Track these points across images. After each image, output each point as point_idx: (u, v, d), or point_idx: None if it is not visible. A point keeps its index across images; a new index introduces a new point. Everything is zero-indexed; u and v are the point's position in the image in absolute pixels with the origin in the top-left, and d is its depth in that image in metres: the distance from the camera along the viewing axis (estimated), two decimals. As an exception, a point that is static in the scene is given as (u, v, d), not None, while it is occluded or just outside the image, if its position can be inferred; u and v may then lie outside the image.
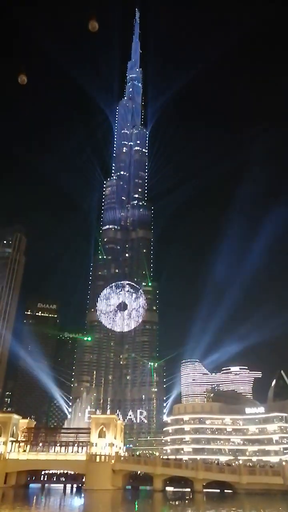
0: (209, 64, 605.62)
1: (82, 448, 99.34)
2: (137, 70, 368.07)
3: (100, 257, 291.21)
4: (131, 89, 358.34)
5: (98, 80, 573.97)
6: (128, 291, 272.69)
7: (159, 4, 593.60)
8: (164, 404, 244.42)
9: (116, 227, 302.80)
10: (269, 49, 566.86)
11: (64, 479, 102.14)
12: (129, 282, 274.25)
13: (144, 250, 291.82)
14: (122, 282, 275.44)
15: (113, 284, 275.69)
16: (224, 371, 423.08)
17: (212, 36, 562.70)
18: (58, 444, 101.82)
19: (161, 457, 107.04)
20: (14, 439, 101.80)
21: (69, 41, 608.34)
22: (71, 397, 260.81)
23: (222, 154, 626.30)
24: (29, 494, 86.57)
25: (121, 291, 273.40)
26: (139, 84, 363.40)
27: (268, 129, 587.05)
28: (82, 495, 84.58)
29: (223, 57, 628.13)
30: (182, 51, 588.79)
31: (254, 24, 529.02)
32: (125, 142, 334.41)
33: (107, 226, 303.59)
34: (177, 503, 78.83)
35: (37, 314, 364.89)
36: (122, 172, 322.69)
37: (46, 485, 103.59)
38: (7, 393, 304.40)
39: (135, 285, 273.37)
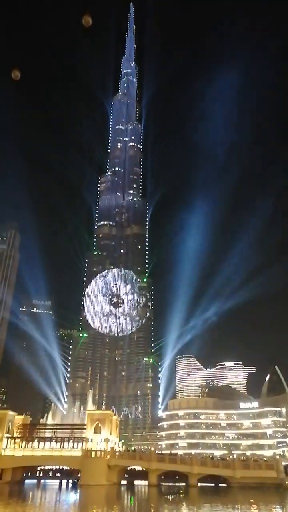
0: (204, 58, 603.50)
1: (77, 444, 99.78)
2: (132, 65, 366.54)
3: (95, 253, 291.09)
4: (125, 84, 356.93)
5: (92, 75, 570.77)
6: (122, 287, 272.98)
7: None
8: (159, 400, 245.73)
9: (111, 223, 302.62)
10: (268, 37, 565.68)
11: (59, 475, 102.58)
12: (124, 279, 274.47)
13: (139, 246, 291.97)
14: (116, 278, 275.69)
15: (108, 280, 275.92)
16: (219, 366, 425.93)
17: (208, 30, 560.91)
18: (53, 440, 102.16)
19: (156, 452, 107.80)
20: (10, 436, 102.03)
21: (63, 36, 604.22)
22: (66, 393, 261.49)
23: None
24: (24, 490, 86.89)
25: (115, 287, 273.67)
26: (134, 79, 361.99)
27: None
28: (78, 490, 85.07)
29: (218, 51, 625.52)
30: (177, 46, 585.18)
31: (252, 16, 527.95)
32: (120, 138, 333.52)
33: (102, 222, 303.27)
34: (172, 497, 79.57)
35: (32, 310, 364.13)
36: (117, 168, 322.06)
37: (42, 481, 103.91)
38: (2, 389, 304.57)
39: (130, 281, 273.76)
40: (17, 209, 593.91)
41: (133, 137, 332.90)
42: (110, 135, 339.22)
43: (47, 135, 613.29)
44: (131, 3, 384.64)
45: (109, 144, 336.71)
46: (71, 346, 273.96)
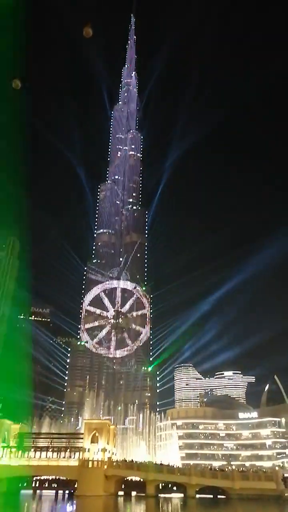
0: (207, 67, 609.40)
1: (74, 454, 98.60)
2: (132, 75, 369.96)
3: (94, 261, 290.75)
4: (126, 94, 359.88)
5: (93, 85, 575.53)
6: (121, 295, 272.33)
7: (155, 11, 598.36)
8: (158, 409, 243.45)
9: (110, 231, 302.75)
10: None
11: (56, 485, 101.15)
12: (123, 287, 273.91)
13: (138, 255, 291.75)
14: (116, 286, 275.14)
15: (107, 288, 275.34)
16: (218, 376, 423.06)
17: (208, 40, 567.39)
18: (50, 450, 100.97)
19: (154, 462, 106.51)
20: (6, 445, 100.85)
21: (64, 46, 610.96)
22: (64, 402, 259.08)
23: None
24: (20, 501, 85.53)
25: (114, 295, 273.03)
26: (134, 89, 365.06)
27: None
28: (74, 501, 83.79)
29: (221, 61, 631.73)
30: (178, 56, 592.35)
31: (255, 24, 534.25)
32: (119, 147, 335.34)
33: (101, 230, 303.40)
34: (170, 509, 78.35)
35: (30, 318, 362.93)
36: (116, 177, 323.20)
37: (38, 491, 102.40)
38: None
39: (129, 289, 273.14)
40: (16, 216, 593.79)
41: (133, 146, 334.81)
42: (110, 143, 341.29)
43: (47, 143, 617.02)
44: (132, 15, 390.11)
45: (109, 152, 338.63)
46: (69, 354, 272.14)
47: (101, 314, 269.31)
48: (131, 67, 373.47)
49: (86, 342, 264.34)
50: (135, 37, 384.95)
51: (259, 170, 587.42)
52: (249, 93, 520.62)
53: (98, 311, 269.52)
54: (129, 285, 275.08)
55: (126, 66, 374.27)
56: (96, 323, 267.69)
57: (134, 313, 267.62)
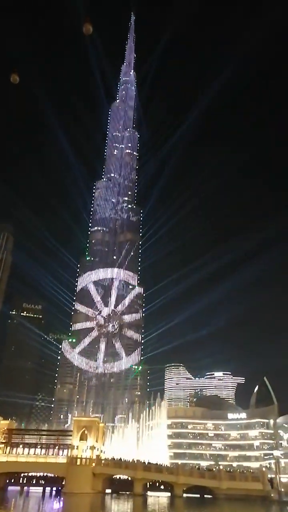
0: (206, 65, 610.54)
1: (63, 451, 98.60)
2: (131, 73, 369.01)
3: (87, 258, 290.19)
4: (124, 92, 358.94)
5: (91, 82, 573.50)
6: (114, 293, 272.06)
7: (155, 9, 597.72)
8: (147, 408, 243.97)
9: (104, 229, 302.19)
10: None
11: (43, 482, 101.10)
12: (116, 285, 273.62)
13: (132, 253, 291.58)
14: (108, 284, 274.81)
15: (99, 285, 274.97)
16: (208, 376, 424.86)
17: (208, 39, 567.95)
18: (39, 446, 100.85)
19: (142, 461, 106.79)
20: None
21: (63, 43, 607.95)
22: (53, 399, 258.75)
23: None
24: (7, 497, 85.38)
25: (107, 293, 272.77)
26: (133, 87, 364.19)
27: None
28: (61, 498, 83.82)
29: (220, 61, 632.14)
30: (177, 55, 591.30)
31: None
32: (116, 145, 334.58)
33: (96, 228, 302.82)
34: (156, 507, 78.71)
35: (22, 314, 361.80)
36: (112, 174, 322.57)
37: (25, 488, 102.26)
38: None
39: (121, 287, 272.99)
40: (11, 212, 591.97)
41: (129, 145, 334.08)
42: (106, 141, 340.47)
43: (44, 139, 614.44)
44: (132, 12, 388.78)
45: (105, 150, 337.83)
46: (60, 351, 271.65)
47: (92, 312, 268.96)
48: (129, 65, 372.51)
49: (77, 339, 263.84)
50: (134, 35, 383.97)
51: (258, 170, 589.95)
52: (249, 91, 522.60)
53: (89, 309, 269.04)
54: (121, 284, 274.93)
55: (124, 63, 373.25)
56: (87, 322, 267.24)
57: (126, 312, 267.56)
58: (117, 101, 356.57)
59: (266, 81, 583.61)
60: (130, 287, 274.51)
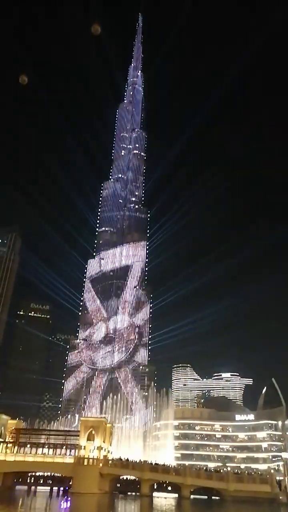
0: (213, 65, 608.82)
1: (70, 451, 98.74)
2: (138, 74, 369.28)
3: (95, 259, 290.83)
4: (131, 93, 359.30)
5: (99, 82, 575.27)
6: (121, 294, 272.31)
7: (163, 10, 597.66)
8: (154, 409, 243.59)
9: (112, 229, 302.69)
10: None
11: (51, 482, 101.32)
12: (123, 285, 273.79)
13: (140, 254, 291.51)
14: (116, 284, 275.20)
15: (107, 285, 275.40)
16: (215, 377, 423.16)
17: (216, 40, 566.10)
18: (46, 446, 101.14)
19: (149, 462, 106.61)
20: (2, 440, 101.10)
21: (71, 43, 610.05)
22: (61, 399, 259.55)
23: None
24: (15, 496, 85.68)
25: (114, 293, 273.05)
26: (140, 88, 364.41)
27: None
28: (69, 498, 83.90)
29: (229, 61, 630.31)
30: (185, 56, 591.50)
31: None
32: (124, 145, 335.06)
33: (103, 228, 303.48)
34: (163, 508, 78.41)
35: (29, 314, 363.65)
36: (119, 175, 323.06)
37: (33, 487, 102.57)
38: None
39: (128, 288, 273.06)
40: (19, 213, 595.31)
41: (137, 145, 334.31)
42: (114, 142, 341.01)
43: (52, 140, 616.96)
44: (139, 13, 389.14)
45: (113, 151, 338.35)
46: (67, 352, 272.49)
47: (100, 312, 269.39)
48: (137, 66, 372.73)
49: (85, 339, 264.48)
50: (142, 36, 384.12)
51: (265, 171, 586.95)
52: (259, 88, 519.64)
53: (96, 310, 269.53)
54: (129, 284, 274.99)
55: (132, 64, 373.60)
56: (94, 322, 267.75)
57: (134, 312, 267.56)
58: (125, 102, 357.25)
59: (275, 75, 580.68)
60: (138, 287, 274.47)
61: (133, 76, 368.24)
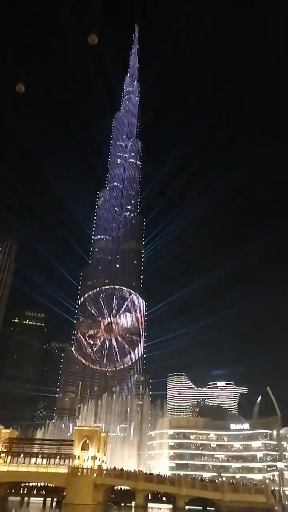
0: (208, 77, 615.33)
1: (64, 461, 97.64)
2: (134, 83, 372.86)
3: (90, 266, 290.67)
4: (127, 102, 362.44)
5: (95, 92, 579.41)
6: (116, 302, 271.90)
7: (159, 20, 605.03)
8: (149, 418, 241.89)
9: (107, 237, 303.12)
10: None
11: (44, 493, 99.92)
12: (119, 294, 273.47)
13: (135, 262, 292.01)
14: (111, 292, 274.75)
15: (102, 294, 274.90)
16: (210, 386, 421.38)
17: (212, 49, 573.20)
18: (40, 456, 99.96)
19: (144, 471, 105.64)
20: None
21: (68, 53, 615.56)
22: (55, 408, 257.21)
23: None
24: (8, 508, 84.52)
25: (110, 301, 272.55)
26: (136, 98, 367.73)
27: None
28: (62, 509, 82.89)
29: (226, 72, 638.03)
30: (181, 66, 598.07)
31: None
32: (119, 154, 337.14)
33: (99, 236, 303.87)
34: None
35: (24, 322, 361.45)
36: (115, 184, 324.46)
37: (26, 498, 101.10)
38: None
39: (124, 296, 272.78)
40: (15, 220, 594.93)
41: (132, 154, 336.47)
42: (110, 151, 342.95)
43: (48, 148, 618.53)
44: (136, 24, 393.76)
45: (109, 159, 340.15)
46: (62, 360, 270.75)
47: (95, 320, 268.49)
48: (133, 75, 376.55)
49: (80, 348, 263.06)
50: (138, 46, 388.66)
51: (262, 180, 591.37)
52: (252, 99, 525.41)
53: (92, 318, 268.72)
54: (124, 292, 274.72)
55: (128, 74, 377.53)
56: (89, 330, 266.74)
57: (129, 320, 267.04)
58: (121, 111, 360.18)
59: (274, 84, 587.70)
60: (133, 295, 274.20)
61: (129, 86, 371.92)
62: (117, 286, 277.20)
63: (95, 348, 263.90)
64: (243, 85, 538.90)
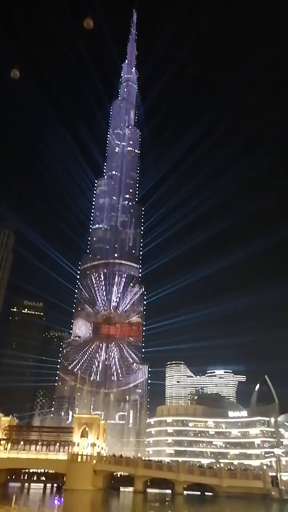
0: (206, 66, 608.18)
1: (64, 448, 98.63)
2: (132, 70, 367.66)
3: (89, 256, 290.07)
4: (125, 90, 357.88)
5: (93, 79, 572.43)
6: (115, 291, 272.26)
7: (157, 5, 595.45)
8: (148, 406, 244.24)
9: (105, 226, 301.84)
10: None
11: (44, 479, 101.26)
12: (117, 282, 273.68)
13: (133, 251, 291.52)
14: (109, 281, 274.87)
15: (100, 282, 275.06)
16: (209, 374, 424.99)
17: (210, 36, 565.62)
18: (39, 443, 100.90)
19: (143, 458, 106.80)
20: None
21: (64, 38, 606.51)
22: (55, 396, 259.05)
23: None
24: (8, 493, 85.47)
25: (108, 290, 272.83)
26: (134, 85, 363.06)
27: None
28: (62, 495, 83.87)
29: (223, 56, 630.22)
30: (179, 52, 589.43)
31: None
32: (118, 142, 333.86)
33: (97, 225, 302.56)
34: (157, 504, 78.68)
35: (23, 311, 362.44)
36: (113, 172, 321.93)
37: (26, 484, 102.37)
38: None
39: (122, 285, 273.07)
40: (12, 209, 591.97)
41: (131, 142, 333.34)
42: (108, 139, 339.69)
43: (45, 136, 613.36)
44: (134, 9, 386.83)
45: (107, 148, 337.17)
46: (61, 349, 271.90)
47: (93, 309, 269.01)
48: (131, 62, 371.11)
49: (79, 336, 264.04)
50: (136, 31, 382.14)
51: (262, 167, 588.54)
52: (250, 88, 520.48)
53: (90, 307, 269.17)
54: (122, 281, 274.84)
55: (126, 61, 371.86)
56: (88, 319, 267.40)
57: (127, 309, 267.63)
58: (119, 98, 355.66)
59: (275, 75, 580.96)
60: (131, 284, 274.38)
61: (127, 73, 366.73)
62: (115, 275, 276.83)
63: (94, 337, 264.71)
64: (247, 72, 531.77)
